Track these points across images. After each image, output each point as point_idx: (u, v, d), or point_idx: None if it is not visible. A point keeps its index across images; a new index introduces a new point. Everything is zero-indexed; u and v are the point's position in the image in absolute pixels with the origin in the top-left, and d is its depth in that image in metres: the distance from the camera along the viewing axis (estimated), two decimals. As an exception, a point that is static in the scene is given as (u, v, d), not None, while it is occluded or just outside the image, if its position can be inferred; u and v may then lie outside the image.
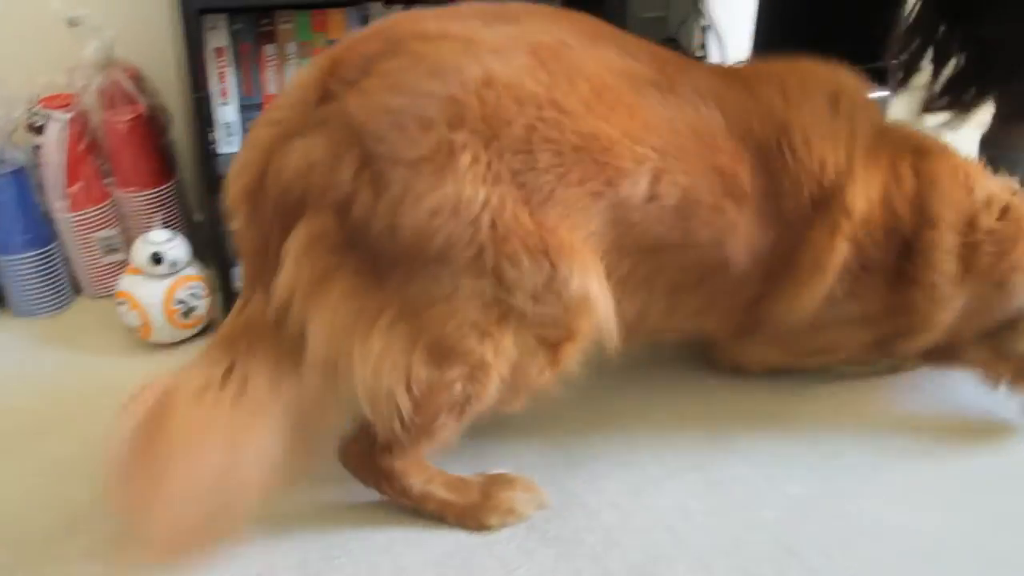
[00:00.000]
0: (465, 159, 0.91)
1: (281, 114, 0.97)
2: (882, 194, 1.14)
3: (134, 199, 1.57)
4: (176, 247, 1.45)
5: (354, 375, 0.97)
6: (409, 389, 0.98)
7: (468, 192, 0.91)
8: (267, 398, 0.99)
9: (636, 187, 1.01)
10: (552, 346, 1.02)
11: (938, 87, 1.31)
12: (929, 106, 1.35)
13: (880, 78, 1.33)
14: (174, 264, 1.44)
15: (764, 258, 1.12)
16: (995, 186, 1.19)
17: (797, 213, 1.12)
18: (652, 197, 1.03)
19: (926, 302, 1.17)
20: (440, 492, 1.09)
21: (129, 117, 1.51)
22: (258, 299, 1.01)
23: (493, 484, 1.11)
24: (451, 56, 0.94)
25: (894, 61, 1.35)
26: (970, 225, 1.15)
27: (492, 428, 1.13)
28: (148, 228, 1.48)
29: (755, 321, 1.20)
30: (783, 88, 1.13)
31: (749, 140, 1.10)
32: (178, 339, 1.46)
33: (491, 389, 1.02)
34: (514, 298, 0.97)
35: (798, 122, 1.11)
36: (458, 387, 1.00)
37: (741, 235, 1.10)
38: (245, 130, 1.54)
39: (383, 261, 0.94)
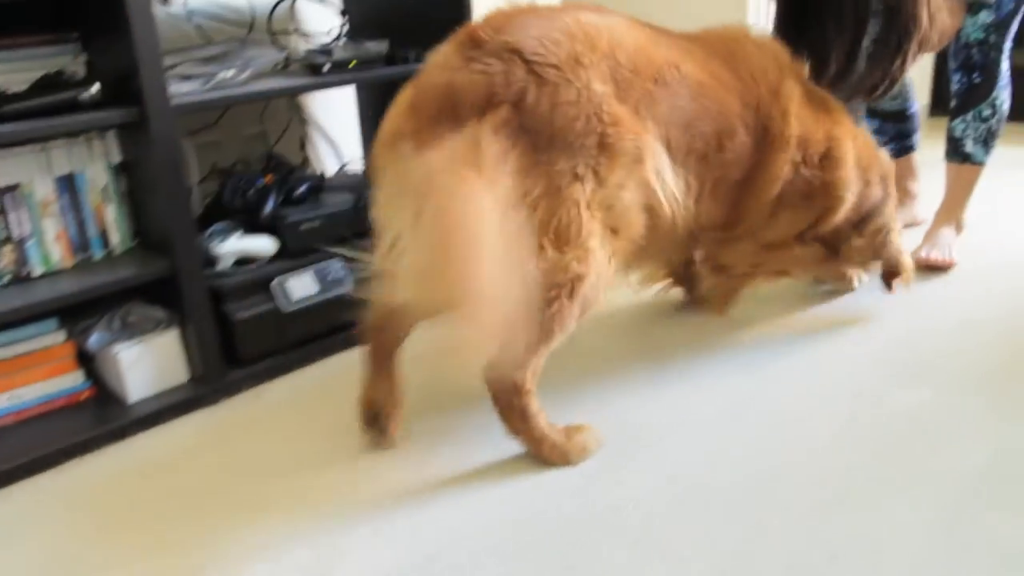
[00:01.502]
0: (586, 62, 1.31)
1: (443, 60, 1.32)
2: (806, 132, 1.64)
3: None
4: None
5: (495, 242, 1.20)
6: (537, 263, 1.27)
7: (596, 85, 1.30)
8: None
9: (675, 74, 1.44)
10: (613, 233, 1.35)
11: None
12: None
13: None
14: None
15: (750, 161, 1.57)
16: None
17: (766, 138, 1.59)
18: (680, 80, 1.44)
19: (840, 188, 1.71)
20: (544, 426, 1.41)
21: None
22: None
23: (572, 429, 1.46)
24: (556, 10, 1.37)
25: None
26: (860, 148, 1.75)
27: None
28: None
29: (737, 218, 1.64)
30: (751, 53, 1.60)
31: (743, 79, 1.56)
32: None
33: (593, 272, 1.32)
34: (609, 181, 1.31)
35: (779, 86, 1.60)
36: (572, 267, 1.30)
37: (738, 137, 1.54)
38: None
39: (541, 141, 1.26)
